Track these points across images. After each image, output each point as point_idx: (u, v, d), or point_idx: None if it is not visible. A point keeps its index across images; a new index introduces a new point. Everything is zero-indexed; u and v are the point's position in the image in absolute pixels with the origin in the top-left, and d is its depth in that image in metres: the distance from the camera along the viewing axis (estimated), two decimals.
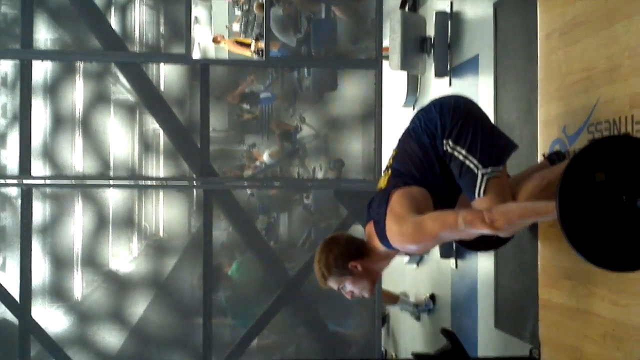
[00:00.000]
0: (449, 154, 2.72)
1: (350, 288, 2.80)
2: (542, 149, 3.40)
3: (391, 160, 2.88)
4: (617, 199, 2.24)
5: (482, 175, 2.68)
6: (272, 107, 5.44)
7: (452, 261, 5.15)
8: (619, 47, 2.80)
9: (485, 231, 2.48)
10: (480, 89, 4.70)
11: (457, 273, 5.09)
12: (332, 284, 2.78)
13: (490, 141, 2.73)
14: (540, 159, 3.39)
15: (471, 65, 4.92)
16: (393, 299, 6.19)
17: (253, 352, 4.80)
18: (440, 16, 5.44)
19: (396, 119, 6.83)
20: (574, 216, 2.24)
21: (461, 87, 5.14)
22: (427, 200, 2.70)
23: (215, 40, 7.59)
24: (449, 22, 5.39)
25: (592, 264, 2.34)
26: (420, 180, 2.73)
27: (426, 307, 5.77)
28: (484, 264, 4.53)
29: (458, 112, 2.75)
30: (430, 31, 5.59)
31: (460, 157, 2.70)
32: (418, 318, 5.99)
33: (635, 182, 2.24)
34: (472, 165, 2.69)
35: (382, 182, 2.83)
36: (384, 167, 2.95)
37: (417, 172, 2.75)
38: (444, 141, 2.73)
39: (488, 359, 3.68)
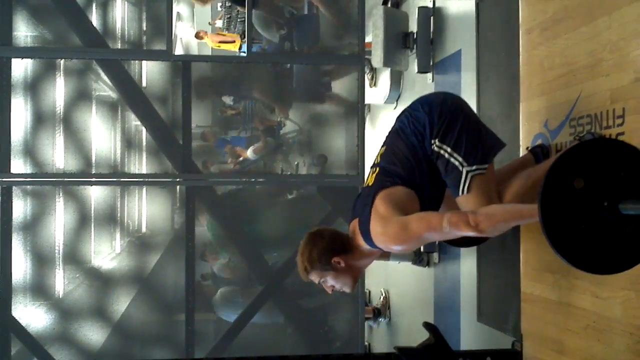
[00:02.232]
0: (435, 153, 2.73)
1: (331, 283, 2.80)
2: (525, 143, 3.43)
3: (379, 158, 2.88)
4: (598, 204, 2.26)
5: (467, 173, 2.69)
6: (255, 103, 5.42)
7: (434, 255, 5.16)
8: (600, 42, 2.83)
9: (470, 233, 2.50)
10: (462, 84, 4.71)
11: (439, 267, 5.10)
12: (314, 277, 2.79)
13: (476, 139, 2.74)
14: (522, 153, 3.41)
15: (454, 61, 4.93)
16: (385, 254, 6.05)
17: (236, 348, 4.79)
18: (423, 12, 5.44)
19: (379, 115, 6.84)
20: (557, 225, 2.25)
21: (444, 82, 5.15)
22: (412, 201, 2.70)
23: (197, 36, 7.57)
24: (432, 18, 5.40)
25: (579, 269, 2.36)
26: (407, 180, 2.74)
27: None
28: (466, 257, 4.55)
29: (445, 110, 2.75)
30: (413, 27, 5.59)
31: (446, 155, 2.71)
32: (427, 263, 5.72)
33: (614, 185, 2.26)
34: (456, 163, 2.70)
35: (369, 180, 2.83)
36: (371, 164, 2.94)
37: (404, 172, 2.75)
38: (432, 141, 2.74)
39: (471, 352, 3.69)
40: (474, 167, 2.69)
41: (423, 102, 2.85)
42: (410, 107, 2.90)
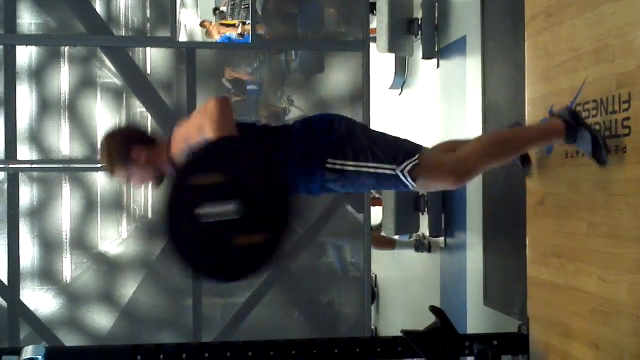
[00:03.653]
0: (351, 173, 2.66)
1: (136, 176, 2.76)
2: None
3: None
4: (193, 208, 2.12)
5: (401, 172, 2.63)
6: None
7: (441, 239, 5.20)
8: (605, 27, 2.83)
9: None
10: (467, 70, 4.72)
11: (446, 250, 5.13)
12: (120, 174, 2.75)
13: (385, 142, 2.69)
14: None
15: (459, 47, 4.94)
16: (390, 243, 6.11)
17: (243, 332, 4.82)
18: None
19: (384, 101, 6.85)
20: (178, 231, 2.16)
21: (449, 68, 5.17)
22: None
23: (202, 25, 7.61)
24: (436, 4, 5.40)
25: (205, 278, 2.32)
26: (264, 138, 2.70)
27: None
28: (472, 241, 4.58)
29: (340, 132, 2.69)
30: (418, 13, 5.60)
31: (370, 170, 2.65)
32: (428, 249, 5.63)
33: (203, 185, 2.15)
34: (387, 172, 2.64)
35: None
36: None
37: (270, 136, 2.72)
38: (337, 162, 2.66)
39: (477, 336, 3.72)
40: (404, 164, 2.63)
41: (314, 132, 2.71)
42: (299, 132, 2.75)
